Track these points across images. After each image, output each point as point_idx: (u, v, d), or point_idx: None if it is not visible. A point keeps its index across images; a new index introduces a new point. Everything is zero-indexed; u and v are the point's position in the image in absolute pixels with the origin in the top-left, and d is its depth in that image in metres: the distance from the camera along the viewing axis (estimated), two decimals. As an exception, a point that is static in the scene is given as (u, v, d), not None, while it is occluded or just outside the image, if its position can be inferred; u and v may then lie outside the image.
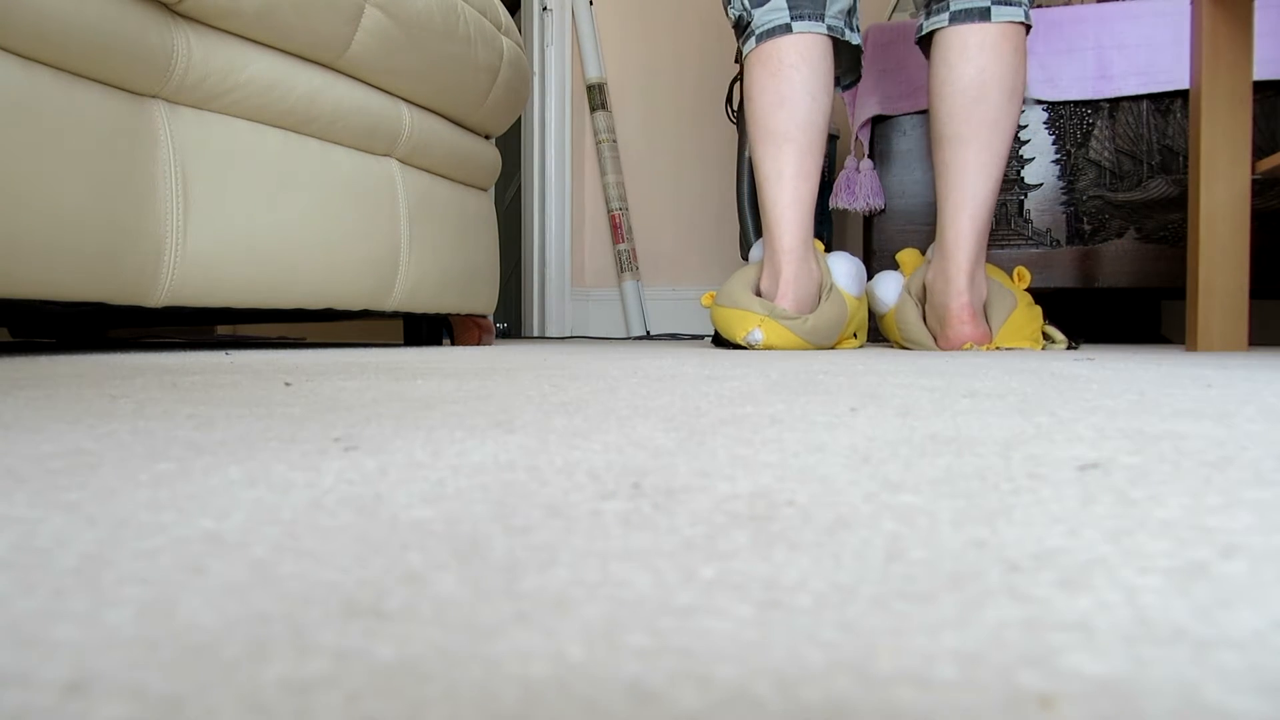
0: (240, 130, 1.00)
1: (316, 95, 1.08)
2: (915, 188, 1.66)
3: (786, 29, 1.23)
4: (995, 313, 1.23)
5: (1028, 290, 1.36)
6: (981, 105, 1.17)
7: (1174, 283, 1.55)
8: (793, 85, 1.22)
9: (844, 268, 1.32)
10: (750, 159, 1.33)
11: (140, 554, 0.15)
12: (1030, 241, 1.61)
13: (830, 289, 1.27)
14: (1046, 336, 1.26)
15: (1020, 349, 1.20)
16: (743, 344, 1.21)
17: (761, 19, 1.25)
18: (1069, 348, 1.24)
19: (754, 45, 1.25)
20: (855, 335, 1.35)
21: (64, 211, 0.80)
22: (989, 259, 1.58)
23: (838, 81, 1.38)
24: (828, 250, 1.65)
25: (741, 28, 1.29)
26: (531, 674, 0.10)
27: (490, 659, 0.10)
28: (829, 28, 1.23)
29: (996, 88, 1.17)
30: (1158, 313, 1.85)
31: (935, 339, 1.25)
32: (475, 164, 1.45)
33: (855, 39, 1.28)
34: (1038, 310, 1.26)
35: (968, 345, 1.20)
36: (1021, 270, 1.29)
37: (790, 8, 1.23)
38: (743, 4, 1.27)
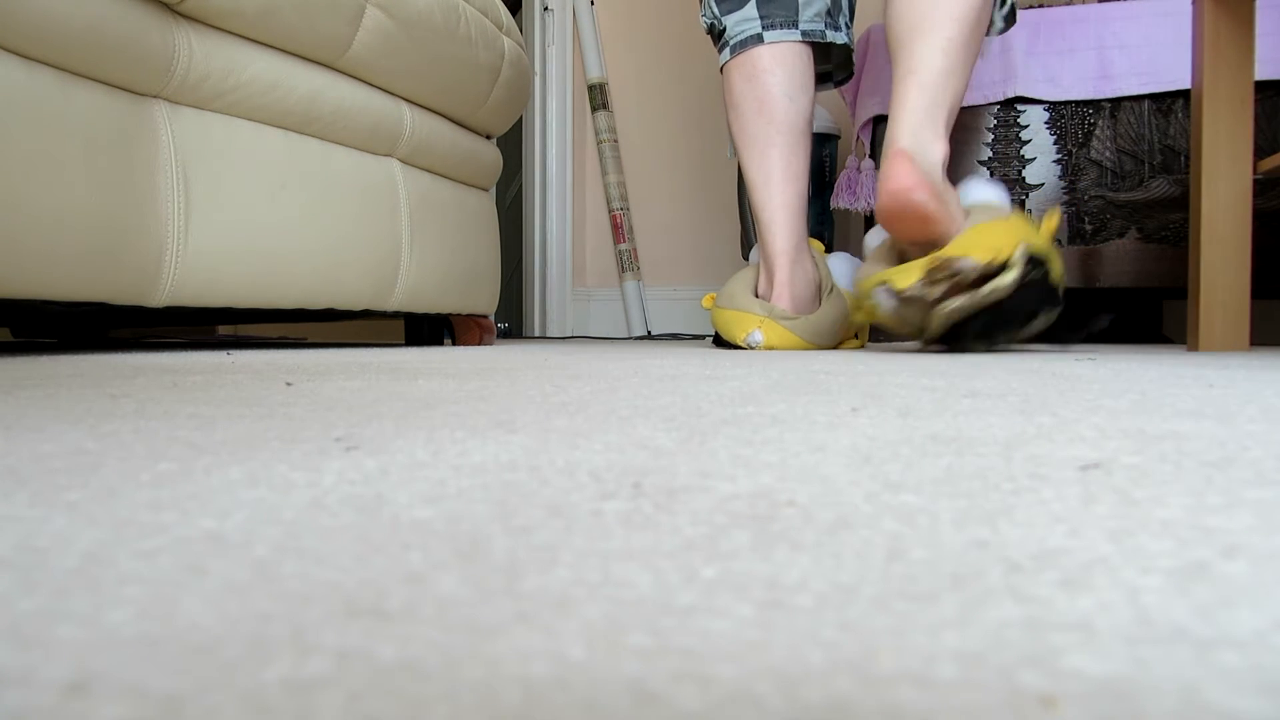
0: (241, 130, 1.00)
1: (318, 95, 1.08)
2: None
3: (758, 39, 1.22)
4: (973, 219, 0.99)
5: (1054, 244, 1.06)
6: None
7: (1175, 282, 1.54)
8: (769, 89, 1.21)
9: (843, 268, 1.31)
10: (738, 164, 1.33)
11: (141, 554, 0.15)
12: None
13: (831, 289, 1.27)
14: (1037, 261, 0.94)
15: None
16: (743, 345, 1.20)
17: (734, 29, 1.24)
18: (1020, 280, 0.92)
19: (729, 56, 1.25)
20: (856, 336, 1.35)
21: (65, 211, 0.80)
22: None
23: (830, 78, 1.36)
24: (828, 251, 1.66)
25: (716, 36, 1.29)
26: (532, 674, 0.10)
27: (491, 659, 0.10)
28: (803, 33, 1.22)
29: None
30: (1159, 312, 1.85)
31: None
32: (477, 164, 1.45)
33: (840, 38, 1.25)
34: (1030, 238, 0.96)
35: (913, 210, 0.94)
36: (1053, 211, 1.05)
37: (762, 17, 1.22)
38: (713, 11, 1.27)
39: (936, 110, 1.03)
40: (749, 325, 1.20)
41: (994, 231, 0.94)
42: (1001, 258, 0.92)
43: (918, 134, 1.02)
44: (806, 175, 1.25)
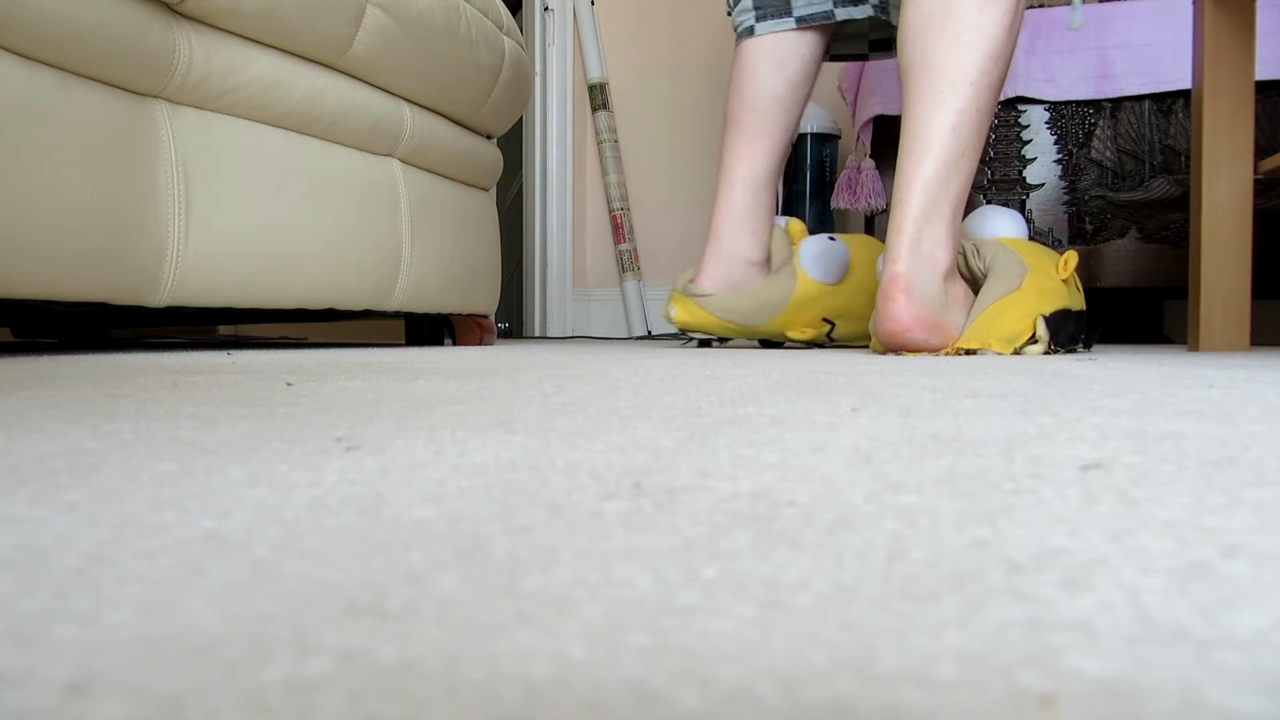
0: (242, 130, 1.00)
1: (318, 95, 1.08)
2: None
3: (750, 32, 1.25)
4: (983, 297, 0.99)
5: (1070, 282, 1.07)
6: (946, 21, 0.96)
7: (1176, 282, 1.54)
8: (744, 69, 1.24)
9: (811, 250, 1.25)
10: None
11: (142, 554, 0.15)
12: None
13: (778, 270, 1.24)
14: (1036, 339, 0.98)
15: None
16: (669, 322, 1.23)
17: (737, 18, 1.27)
18: (1048, 351, 0.99)
19: (737, 43, 1.29)
20: (826, 322, 1.27)
21: (66, 211, 0.80)
22: None
23: (884, 46, 1.33)
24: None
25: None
26: (533, 674, 0.10)
27: (492, 659, 0.10)
28: (798, 20, 1.22)
29: (965, 5, 0.96)
30: (1160, 312, 1.85)
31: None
32: (477, 164, 1.45)
33: (860, 12, 1.22)
34: (1054, 298, 1.00)
35: (909, 348, 0.94)
36: (1070, 255, 1.05)
37: (756, 8, 1.24)
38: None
39: (940, 206, 0.96)
40: (669, 303, 1.23)
41: (1006, 316, 0.96)
42: (1022, 340, 0.96)
43: (917, 244, 0.95)
44: (770, 158, 1.25)
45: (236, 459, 0.24)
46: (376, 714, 0.09)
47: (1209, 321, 1.11)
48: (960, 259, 1.07)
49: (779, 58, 1.23)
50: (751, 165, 1.24)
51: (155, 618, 0.12)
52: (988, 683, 0.10)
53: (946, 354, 0.96)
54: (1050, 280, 1.02)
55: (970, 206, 1.60)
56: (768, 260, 1.27)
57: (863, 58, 1.39)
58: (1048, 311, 0.98)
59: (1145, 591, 0.13)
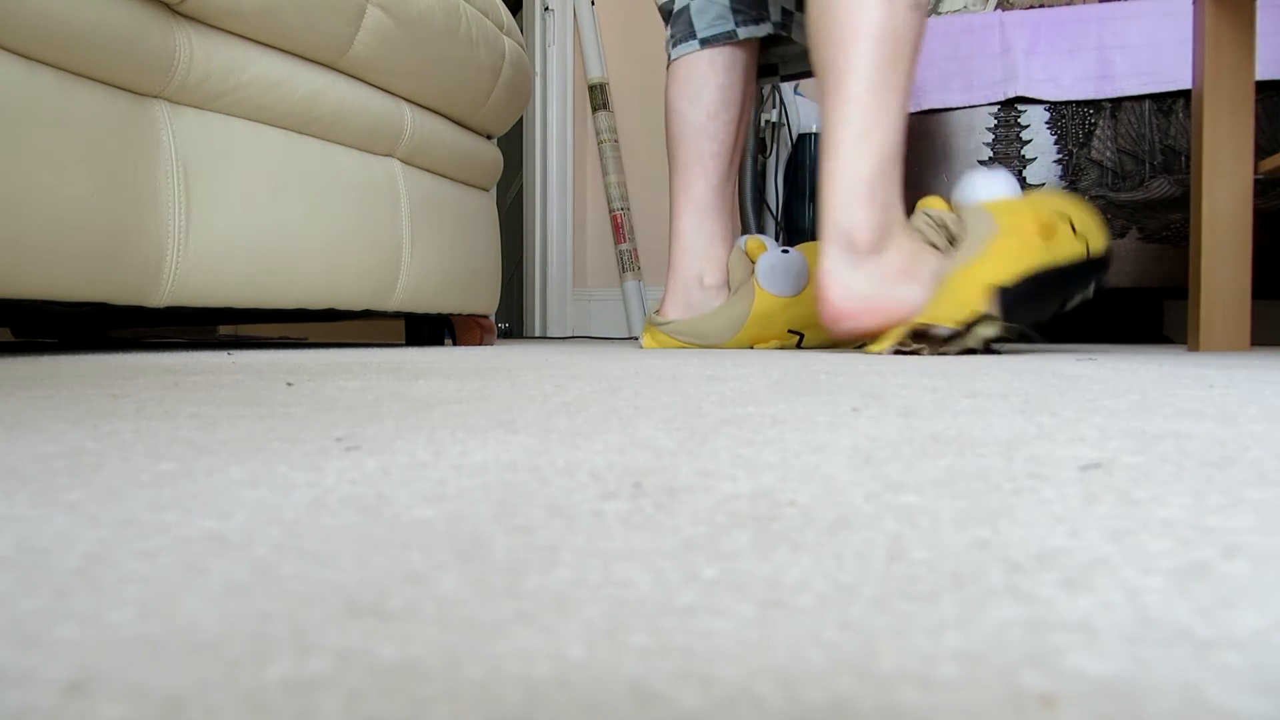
0: (242, 130, 1.00)
1: (318, 95, 1.08)
2: (918, 187, 1.65)
3: (669, 58, 1.32)
4: (946, 268, 0.95)
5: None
6: (828, 20, 0.98)
7: (1176, 283, 1.54)
8: (666, 107, 1.31)
9: (764, 265, 1.23)
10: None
11: (142, 554, 0.15)
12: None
13: (738, 289, 1.25)
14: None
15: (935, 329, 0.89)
16: None
17: (667, 49, 1.35)
18: (1006, 334, 0.91)
19: None
20: (793, 334, 1.24)
21: (66, 211, 0.80)
22: None
23: (790, 68, 1.40)
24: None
25: None
26: (533, 674, 0.10)
27: (492, 659, 0.10)
28: (701, 41, 1.28)
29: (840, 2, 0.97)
30: (1160, 313, 1.84)
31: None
32: (477, 164, 1.45)
33: (761, 30, 1.26)
34: (1020, 260, 0.91)
35: (851, 336, 0.96)
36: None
37: (671, 36, 1.31)
38: None
39: (855, 190, 0.96)
40: (642, 333, 1.30)
41: (968, 282, 0.90)
42: (968, 313, 0.89)
43: (839, 234, 0.96)
44: (707, 185, 1.29)
45: (236, 459, 0.24)
46: (376, 714, 0.09)
47: (1209, 321, 1.11)
48: (943, 231, 1.02)
49: (694, 91, 1.29)
50: (691, 194, 1.29)
51: (155, 618, 0.12)
52: (988, 683, 0.10)
53: (899, 335, 0.91)
54: (1021, 240, 0.93)
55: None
56: (727, 282, 1.30)
57: (808, 75, 1.42)
58: (1009, 279, 0.90)
59: (1145, 591, 0.13)
